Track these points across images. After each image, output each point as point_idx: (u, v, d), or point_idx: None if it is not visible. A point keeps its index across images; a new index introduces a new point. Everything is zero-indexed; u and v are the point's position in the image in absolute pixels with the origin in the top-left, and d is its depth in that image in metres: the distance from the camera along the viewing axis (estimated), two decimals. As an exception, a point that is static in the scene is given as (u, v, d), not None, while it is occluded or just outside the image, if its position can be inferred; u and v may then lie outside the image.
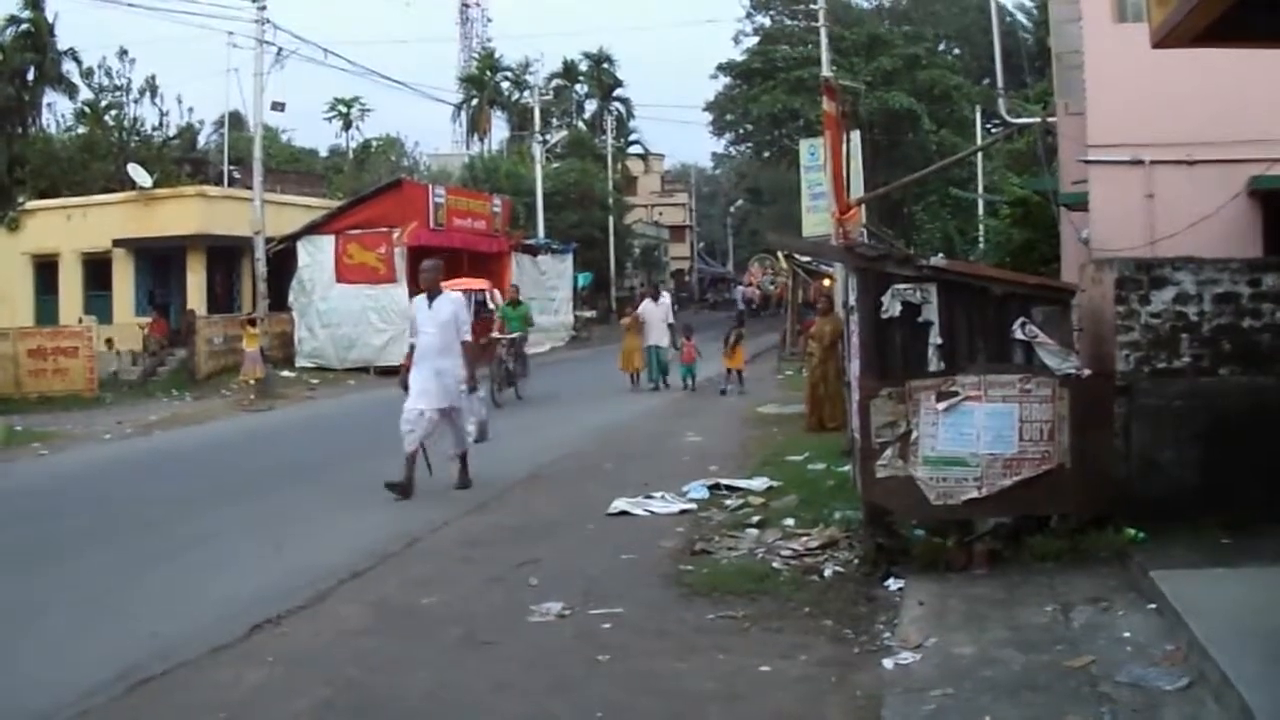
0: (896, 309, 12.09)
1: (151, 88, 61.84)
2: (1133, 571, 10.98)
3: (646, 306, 36.49)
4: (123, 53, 61.45)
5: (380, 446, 22.70)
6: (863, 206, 29.57)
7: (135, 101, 61.88)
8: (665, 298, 38.48)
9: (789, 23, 78.92)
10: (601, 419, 27.99)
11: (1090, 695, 8.24)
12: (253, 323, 37.38)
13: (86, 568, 14.00)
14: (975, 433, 11.72)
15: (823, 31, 48.43)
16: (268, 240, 43.67)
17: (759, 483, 17.59)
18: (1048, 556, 11.81)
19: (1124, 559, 11.41)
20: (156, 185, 49.38)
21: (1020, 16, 68.80)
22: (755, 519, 15.13)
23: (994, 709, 8.06)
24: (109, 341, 43.30)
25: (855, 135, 36.12)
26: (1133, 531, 11.77)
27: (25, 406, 34.51)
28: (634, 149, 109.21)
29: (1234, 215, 15.55)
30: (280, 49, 43.69)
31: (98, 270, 49.10)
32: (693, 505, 16.54)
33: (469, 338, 18.56)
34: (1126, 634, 9.47)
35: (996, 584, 11.24)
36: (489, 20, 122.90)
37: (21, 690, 9.56)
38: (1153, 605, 10.00)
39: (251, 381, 36.40)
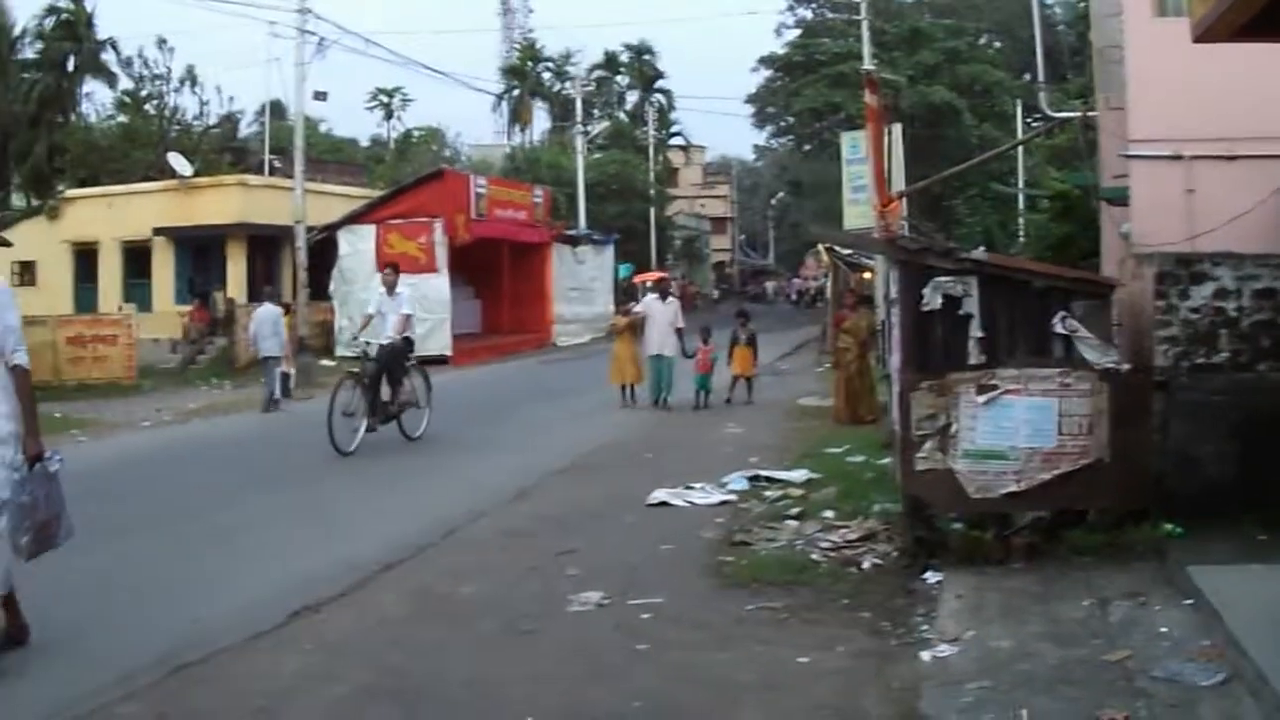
0: (938, 302, 12.12)
1: (191, 77, 62.31)
2: (1170, 567, 10.98)
3: (651, 305, 29.97)
4: (161, 42, 61.91)
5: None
6: (904, 200, 29.56)
7: (175, 91, 62.35)
8: (673, 300, 30.60)
9: (830, 16, 78.67)
10: (631, 416, 27.77)
11: (1127, 689, 8.26)
12: (287, 310, 37.15)
13: (126, 554, 14.08)
14: (1014, 426, 11.74)
15: (864, 25, 48.32)
16: (309, 229, 43.83)
17: (799, 474, 17.65)
18: (1085, 551, 11.85)
19: (1161, 554, 11.42)
20: (197, 174, 49.77)
21: (1060, 10, 68.62)
22: (794, 511, 15.16)
23: (1031, 702, 8.09)
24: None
25: (897, 128, 36.13)
26: (1170, 526, 11.77)
27: (64, 394, 34.41)
28: (675, 140, 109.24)
29: (1274, 211, 15.47)
30: (322, 39, 43.81)
31: (137, 258, 49.48)
32: (732, 496, 16.60)
33: (23, 359, 10.32)
34: (1163, 629, 9.47)
35: (1034, 578, 11.26)
36: (530, 10, 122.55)
37: (63, 674, 9.64)
38: (1189, 600, 10.01)
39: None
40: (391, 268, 24.98)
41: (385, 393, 22.72)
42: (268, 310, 33.23)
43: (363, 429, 21.99)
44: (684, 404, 28.95)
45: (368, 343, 23.06)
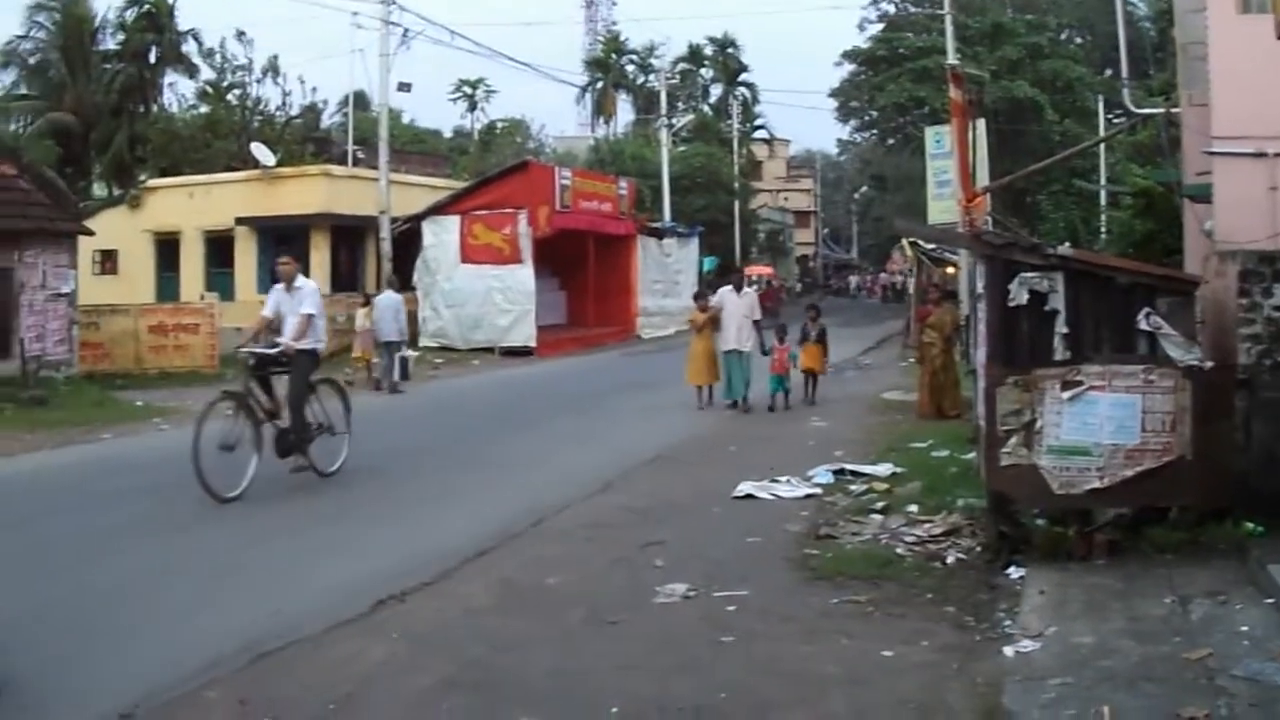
0: (1024, 297, 12.15)
1: (274, 68, 62.77)
2: (1251, 565, 11.00)
3: (725, 297, 28.16)
4: (240, 34, 62.43)
5: (506, 426, 23.02)
6: (988, 195, 29.48)
7: (258, 81, 62.85)
8: (749, 292, 29.04)
9: (913, 10, 78.44)
10: (712, 412, 27.24)
11: (1207, 688, 8.30)
12: (367, 301, 36.96)
13: (210, 542, 14.28)
14: (1099, 423, 11.79)
15: (948, 19, 48.08)
16: (392, 220, 44.16)
17: (883, 469, 17.81)
18: (1166, 548, 11.88)
19: (1242, 552, 11.44)
20: (280, 164, 50.16)
21: (1142, 6, 68.22)
22: (879, 504, 15.30)
23: (1112, 699, 8.14)
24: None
25: (981, 124, 35.99)
26: (1251, 525, 11.77)
27: (146, 382, 34.76)
28: (759, 134, 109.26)
29: (1359, 208, 15.45)
30: (406, 30, 44.23)
31: (220, 248, 49.77)
32: (817, 490, 16.73)
33: None
34: (1244, 628, 9.50)
35: (1116, 574, 11.33)
36: (614, 3, 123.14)
37: (146, 662, 9.83)
38: (1270, 600, 10.06)
39: (363, 363, 35.84)
40: (290, 257, 19.34)
41: (285, 417, 18.16)
42: (389, 298, 35.21)
43: (253, 465, 17.04)
44: (764, 403, 27.50)
45: (251, 353, 18.18)
